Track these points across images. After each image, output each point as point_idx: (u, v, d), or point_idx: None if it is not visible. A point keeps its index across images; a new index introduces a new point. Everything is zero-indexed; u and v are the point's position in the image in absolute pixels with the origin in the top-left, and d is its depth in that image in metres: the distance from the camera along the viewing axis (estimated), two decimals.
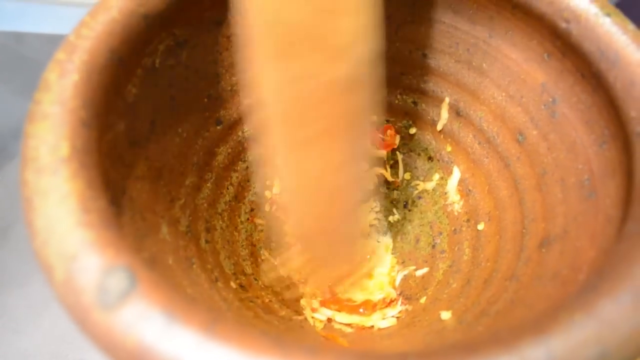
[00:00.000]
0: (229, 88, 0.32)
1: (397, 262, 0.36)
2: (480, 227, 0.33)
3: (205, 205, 0.31)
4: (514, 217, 0.30)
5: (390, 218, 0.37)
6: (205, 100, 0.31)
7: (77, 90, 0.21)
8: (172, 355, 0.15)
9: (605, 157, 0.25)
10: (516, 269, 0.27)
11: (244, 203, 0.35)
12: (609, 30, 0.25)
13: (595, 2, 0.25)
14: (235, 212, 0.34)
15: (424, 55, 0.33)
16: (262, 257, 0.34)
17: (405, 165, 0.37)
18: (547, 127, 0.29)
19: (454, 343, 0.23)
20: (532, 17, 0.27)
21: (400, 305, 0.33)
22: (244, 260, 0.33)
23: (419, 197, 0.37)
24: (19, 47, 0.60)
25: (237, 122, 0.33)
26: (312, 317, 0.32)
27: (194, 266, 0.27)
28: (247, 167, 0.35)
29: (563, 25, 0.26)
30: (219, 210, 0.32)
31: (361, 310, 0.33)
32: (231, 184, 0.34)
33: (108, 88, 0.23)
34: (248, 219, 0.35)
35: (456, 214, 0.35)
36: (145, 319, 0.16)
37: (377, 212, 0.37)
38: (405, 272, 0.35)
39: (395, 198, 0.38)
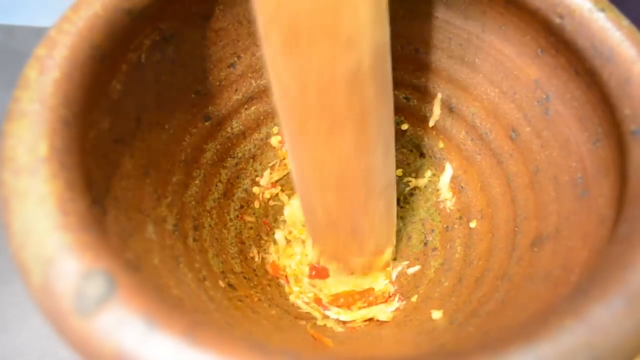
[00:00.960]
0: (217, 83, 0.31)
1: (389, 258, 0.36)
2: (473, 224, 0.32)
3: (193, 203, 0.31)
4: (507, 215, 0.30)
5: None
6: (193, 96, 0.30)
7: (57, 88, 0.21)
8: None
9: (598, 155, 0.25)
10: (508, 268, 0.27)
11: (233, 200, 0.34)
12: (603, 26, 0.24)
13: None
14: (224, 209, 0.33)
15: (416, 50, 0.32)
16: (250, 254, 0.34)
17: (397, 161, 0.37)
18: (541, 124, 0.28)
19: (442, 349, 0.23)
20: (526, 12, 0.27)
21: (397, 301, 0.33)
22: (233, 258, 0.32)
23: (411, 194, 0.37)
24: (9, 41, 0.60)
25: (225, 118, 0.33)
26: (307, 312, 0.32)
27: (181, 265, 0.26)
28: (236, 164, 0.34)
29: (557, 20, 0.25)
30: (208, 208, 0.32)
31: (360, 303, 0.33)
32: (220, 181, 0.33)
33: (90, 85, 0.22)
34: (237, 216, 0.34)
35: (448, 211, 0.34)
36: (124, 326, 0.16)
37: None
38: (399, 268, 0.35)
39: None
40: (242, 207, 0.35)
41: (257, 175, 0.36)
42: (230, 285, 0.30)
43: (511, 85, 0.30)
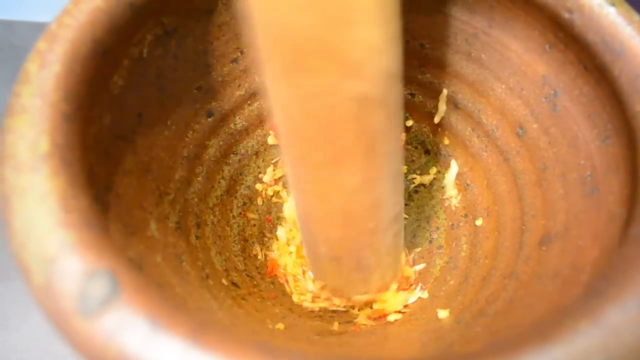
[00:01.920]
0: (220, 79, 0.31)
1: None
2: (479, 222, 0.32)
3: (195, 200, 0.30)
4: (514, 213, 0.29)
5: None
6: (196, 91, 0.30)
7: (58, 82, 0.20)
8: None
9: (608, 152, 0.24)
10: (515, 267, 0.27)
11: (236, 197, 0.34)
12: (613, 20, 0.24)
13: None
14: (227, 206, 0.33)
15: (422, 46, 0.32)
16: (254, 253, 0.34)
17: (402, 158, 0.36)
18: (548, 120, 0.28)
19: (449, 349, 0.22)
20: (534, 6, 0.26)
21: (420, 290, 0.32)
22: (235, 256, 0.32)
23: (416, 191, 0.36)
24: (8, 36, 0.59)
25: (228, 114, 0.32)
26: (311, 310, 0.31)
27: (184, 263, 0.26)
28: (239, 160, 0.34)
29: (566, 15, 0.25)
30: (210, 205, 0.32)
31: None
32: (223, 177, 0.33)
33: (92, 80, 0.22)
34: (240, 213, 0.34)
35: (454, 208, 0.34)
36: (128, 327, 0.15)
37: None
38: (417, 249, 0.34)
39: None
40: (245, 204, 0.34)
41: (260, 172, 0.35)
42: (233, 283, 0.29)
43: (518, 81, 0.29)
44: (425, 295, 0.32)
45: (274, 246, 0.35)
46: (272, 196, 0.36)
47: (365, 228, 0.26)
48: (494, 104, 0.31)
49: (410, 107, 0.35)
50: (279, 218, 0.36)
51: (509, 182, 0.30)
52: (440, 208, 0.35)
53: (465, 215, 0.33)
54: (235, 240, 0.33)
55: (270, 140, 0.35)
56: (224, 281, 0.29)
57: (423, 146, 0.36)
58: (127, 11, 0.23)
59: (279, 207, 0.36)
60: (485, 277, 0.28)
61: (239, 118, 0.33)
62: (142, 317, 0.15)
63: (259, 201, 0.35)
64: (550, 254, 0.25)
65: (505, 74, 0.30)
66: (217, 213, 0.32)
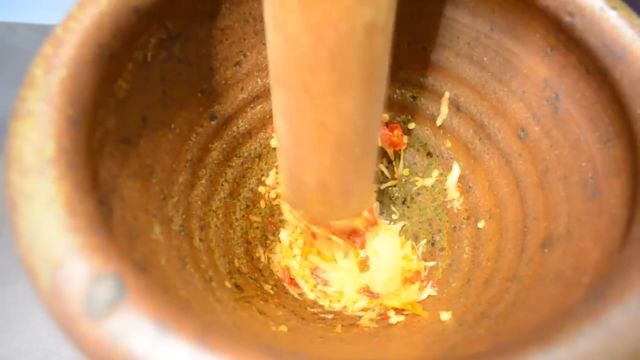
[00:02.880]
0: (224, 82, 0.31)
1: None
2: (481, 225, 0.32)
3: (199, 202, 0.30)
4: (515, 215, 0.29)
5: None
6: (199, 94, 0.30)
7: (64, 87, 0.20)
8: None
9: (609, 155, 0.24)
10: (518, 269, 0.27)
11: (239, 200, 0.34)
12: (615, 24, 0.24)
13: None
14: (230, 209, 0.33)
15: (424, 49, 0.32)
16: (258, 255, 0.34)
17: (404, 160, 0.36)
18: (550, 123, 0.28)
19: (452, 352, 0.23)
20: (535, 10, 0.26)
21: (430, 288, 0.32)
22: (239, 258, 0.32)
23: (418, 194, 0.36)
24: (9, 38, 0.59)
25: (232, 117, 0.32)
26: (314, 313, 0.32)
27: (187, 266, 0.26)
28: (242, 163, 0.34)
29: (567, 18, 0.25)
30: (214, 208, 0.32)
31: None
32: (226, 180, 0.33)
33: (97, 84, 0.22)
34: (243, 215, 0.34)
35: (456, 211, 0.34)
36: (135, 330, 0.15)
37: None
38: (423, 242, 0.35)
39: (394, 194, 0.37)
40: (248, 206, 0.34)
41: (263, 175, 0.35)
42: (236, 285, 0.29)
43: (520, 83, 0.29)
44: (434, 292, 0.32)
45: (277, 249, 0.35)
46: (274, 199, 0.36)
47: (353, 153, 0.26)
48: (495, 106, 0.31)
49: (412, 110, 0.35)
50: (281, 221, 0.36)
51: (510, 184, 0.30)
52: (443, 210, 0.35)
53: (468, 218, 0.33)
54: (238, 243, 0.33)
55: (273, 143, 0.35)
56: (227, 284, 0.29)
57: (425, 149, 0.36)
58: (132, 15, 0.24)
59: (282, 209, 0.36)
60: (488, 280, 0.28)
61: (242, 121, 0.33)
62: (149, 320, 0.15)
63: (262, 204, 0.35)
64: (552, 256, 0.25)
65: (507, 76, 0.30)
66: (220, 216, 0.32)
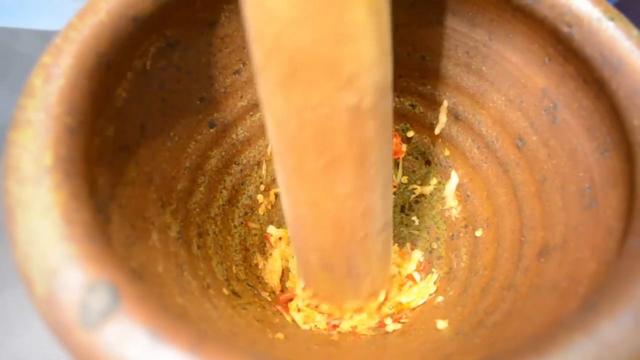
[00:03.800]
0: (223, 90, 0.31)
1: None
2: (478, 233, 0.32)
3: (197, 210, 0.30)
4: (513, 224, 0.30)
5: None
6: (198, 102, 0.30)
7: (62, 96, 0.21)
8: None
9: (607, 165, 0.25)
10: (514, 279, 0.27)
11: (237, 207, 0.34)
12: (612, 35, 0.24)
13: (598, 6, 0.24)
14: (228, 216, 0.33)
15: (422, 58, 0.32)
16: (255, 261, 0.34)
17: (403, 168, 0.37)
18: (548, 132, 0.28)
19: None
20: (534, 20, 0.27)
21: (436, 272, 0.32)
22: (237, 265, 0.32)
23: (416, 202, 0.36)
24: (13, 43, 0.60)
25: (230, 125, 0.32)
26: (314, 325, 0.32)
27: (185, 273, 0.26)
28: (241, 170, 0.34)
29: (565, 29, 0.25)
30: (212, 215, 0.32)
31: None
32: (225, 187, 0.33)
33: (96, 93, 0.22)
34: (242, 223, 0.34)
35: (454, 219, 0.34)
36: (129, 339, 0.15)
37: None
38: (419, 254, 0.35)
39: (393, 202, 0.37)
40: (246, 213, 0.35)
41: (261, 182, 0.35)
42: (234, 292, 0.29)
43: (518, 93, 0.29)
44: (431, 285, 0.32)
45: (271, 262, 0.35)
46: (273, 206, 0.36)
47: (357, 236, 0.26)
48: (494, 115, 0.31)
49: (411, 118, 0.35)
50: (280, 227, 0.36)
51: (508, 193, 0.30)
52: (441, 219, 0.35)
53: (465, 226, 0.33)
54: (236, 250, 0.33)
55: (271, 150, 0.35)
56: (224, 291, 0.29)
57: (424, 157, 0.36)
58: (131, 24, 0.24)
59: (280, 216, 0.36)
60: (484, 289, 0.28)
61: (241, 129, 0.33)
62: (142, 329, 0.16)
63: (260, 211, 0.35)
64: (548, 266, 0.25)
65: (505, 86, 0.30)
66: (218, 223, 0.32)
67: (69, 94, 0.21)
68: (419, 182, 0.36)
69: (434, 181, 0.36)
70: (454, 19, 0.30)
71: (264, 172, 0.35)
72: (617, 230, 0.22)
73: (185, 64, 0.28)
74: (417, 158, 0.36)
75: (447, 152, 0.34)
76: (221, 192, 0.33)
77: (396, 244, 0.36)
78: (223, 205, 0.33)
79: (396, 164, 0.37)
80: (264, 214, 0.35)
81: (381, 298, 0.32)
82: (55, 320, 0.16)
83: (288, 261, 0.35)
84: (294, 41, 0.18)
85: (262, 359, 0.16)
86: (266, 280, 0.34)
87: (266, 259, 0.35)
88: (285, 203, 0.26)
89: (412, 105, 0.35)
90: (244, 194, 0.35)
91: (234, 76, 0.31)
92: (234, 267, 0.32)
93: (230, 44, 0.30)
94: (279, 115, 0.21)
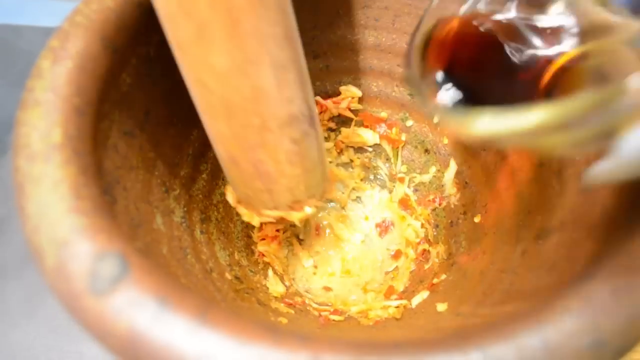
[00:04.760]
0: None
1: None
2: (477, 219, 0.32)
3: (200, 196, 0.31)
4: (511, 209, 0.30)
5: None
6: None
7: (70, 78, 0.21)
8: (163, 342, 0.15)
9: (601, 148, 0.25)
10: (512, 261, 0.27)
11: None
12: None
13: None
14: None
15: None
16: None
17: (402, 157, 0.37)
18: None
19: (449, 333, 0.23)
20: None
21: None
22: (239, 251, 0.32)
23: (416, 190, 0.37)
24: (16, 40, 0.60)
25: None
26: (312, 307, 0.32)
27: (188, 256, 0.27)
28: None
29: None
30: (214, 202, 0.32)
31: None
32: None
33: (102, 76, 0.23)
34: None
35: (453, 206, 0.35)
36: (137, 305, 0.16)
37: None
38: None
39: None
40: None
41: None
42: (236, 277, 0.30)
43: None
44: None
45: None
46: None
47: (250, 123, 0.25)
48: None
49: (410, 107, 0.35)
50: None
51: (506, 179, 0.31)
52: (440, 206, 0.35)
53: (464, 213, 0.34)
54: (239, 237, 0.33)
55: None
56: (227, 275, 0.29)
57: (422, 145, 0.36)
58: (136, 11, 0.24)
59: None
60: (483, 271, 0.29)
61: None
62: (151, 296, 0.16)
63: None
64: (546, 247, 0.26)
65: None
66: (221, 210, 0.33)
67: (77, 76, 0.21)
68: (418, 171, 0.37)
69: (432, 169, 0.36)
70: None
71: None
72: (612, 208, 0.23)
73: None
74: (416, 147, 0.37)
75: (445, 141, 0.35)
76: (223, 180, 0.33)
77: None
78: (225, 192, 0.33)
79: (396, 152, 0.37)
80: None
81: (308, 210, 0.30)
82: (65, 289, 0.17)
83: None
84: None
85: (266, 326, 0.16)
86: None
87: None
88: (187, 86, 0.25)
89: (411, 95, 0.35)
90: None
91: None
92: (236, 253, 0.32)
93: None
94: None
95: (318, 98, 0.36)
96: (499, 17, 0.22)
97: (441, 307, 0.28)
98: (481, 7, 0.23)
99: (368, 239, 0.37)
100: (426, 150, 0.36)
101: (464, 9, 0.23)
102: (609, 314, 0.16)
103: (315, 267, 0.36)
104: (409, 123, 0.36)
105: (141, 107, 0.27)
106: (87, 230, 0.17)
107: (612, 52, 0.21)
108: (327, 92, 0.37)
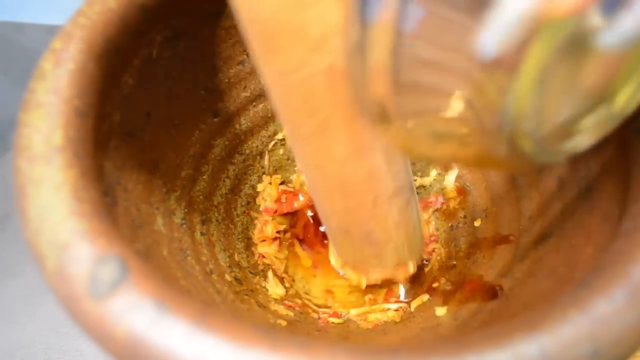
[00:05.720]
0: (227, 80, 0.32)
1: None
2: (477, 223, 0.32)
3: (201, 197, 0.31)
4: (511, 214, 0.30)
5: None
6: (203, 92, 0.31)
7: (72, 80, 0.21)
8: (162, 346, 0.15)
9: (602, 153, 0.25)
10: (512, 266, 0.27)
11: (240, 196, 0.35)
12: None
13: None
14: (231, 204, 0.34)
15: None
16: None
17: None
18: None
19: (446, 339, 0.23)
20: None
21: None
22: (239, 253, 0.33)
23: (417, 193, 0.37)
24: (18, 38, 0.60)
25: (234, 114, 0.33)
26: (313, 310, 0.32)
27: (189, 258, 0.27)
28: (244, 160, 0.35)
29: None
30: (215, 203, 0.32)
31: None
32: (228, 176, 0.34)
33: (104, 78, 0.23)
34: (244, 212, 0.35)
35: (453, 210, 0.35)
36: (136, 309, 0.16)
37: None
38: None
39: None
40: (249, 203, 0.35)
41: (264, 172, 0.36)
42: (236, 279, 0.30)
43: None
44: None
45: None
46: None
47: (365, 200, 0.26)
48: None
49: None
50: None
51: (507, 183, 0.31)
52: (440, 209, 0.35)
53: (464, 217, 0.34)
54: (239, 238, 0.33)
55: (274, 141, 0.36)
56: (227, 277, 0.29)
57: None
58: (138, 13, 0.24)
59: None
60: (483, 276, 0.29)
61: (244, 119, 0.34)
62: (150, 300, 0.16)
63: (259, 201, 0.36)
64: (545, 252, 0.26)
65: None
66: (221, 211, 0.33)
67: (79, 77, 0.21)
68: (419, 174, 0.37)
69: (433, 173, 0.36)
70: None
71: (266, 162, 0.36)
72: (612, 216, 0.23)
73: (191, 54, 0.29)
74: None
75: None
76: (224, 181, 0.33)
77: None
78: (226, 194, 0.33)
79: None
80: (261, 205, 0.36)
81: (411, 269, 0.32)
82: (65, 292, 0.17)
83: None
84: (263, 11, 0.19)
85: (265, 332, 0.16)
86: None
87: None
88: (300, 169, 0.27)
89: None
90: (247, 183, 0.35)
91: (238, 67, 0.32)
92: (236, 255, 0.32)
93: (235, 34, 0.31)
94: (267, 82, 0.22)
95: None
96: None
97: (440, 311, 0.28)
98: None
99: None
100: None
101: None
102: (606, 323, 0.16)
103: (316, 268, 0.36)
104: None
105: (142, 108, 0.27)
106: (88, 233, 0.17)
107: None
108: None
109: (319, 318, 0.31)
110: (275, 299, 0.32)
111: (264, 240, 0.35)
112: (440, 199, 0.35)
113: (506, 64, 0.13)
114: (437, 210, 0.36)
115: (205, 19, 0.29)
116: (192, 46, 0.29)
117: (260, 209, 0.36)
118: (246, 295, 0.29)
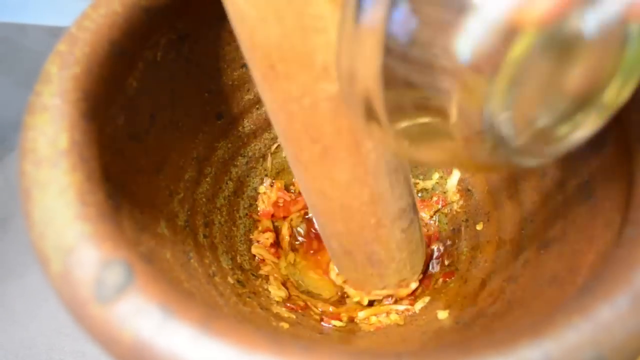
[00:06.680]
0: (230, 83, 0.32)
1: None
2: (479, 227, 0.32)
3: (204, 199, 0.31)
4: (513, 218, 0.30)
5: None
6: (206, 94, 0.31)
7: (77, 83, 0.21)
8: (167, 351, 0.15)
9: (605, 160, 0.25)
10: (514, 270, 0.27)
11: (242, 198, 0.35)
12: None
13: None
14: (234, 207, 0.34)
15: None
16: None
17: None
18: None
19: (449, 343, 0.23)
20: None
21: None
22: (241, 255, 0.33)
23: (418, 196, 0.37)
24: (21, 39, 0.60)
25: (237, 117, 0.33)
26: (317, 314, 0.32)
27: (192, 261, 0.27)
28: (246, 162, 0.35)
29: None
30: (218, 205, 0.32)
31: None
32: (230, 179, 0.34)
33: (109, 81, 0.23)
34: (247, 214, 0.35)
35: (455, 213, 0.35)
36: (142, 314, 0.16)
37: None
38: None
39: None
40: (251, 205, 0.35)
41: (266, 175, 0.36)
42: (239, 281, 0.30)
43: None
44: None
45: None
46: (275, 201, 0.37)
47: (368, 223, 0.26)
48: None
49: None
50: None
51: (509, 187, 0.31)
52: (442, 212, 0.36)
53: (466, 220, 0.34)
54: (241, 241, 0.33)
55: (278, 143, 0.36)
56: (230, 279, 0.29)
57: None
58: (143, 15, 0.24)
59: None
60: (485, 280, 0.29)
61: (248, 121, 0.34)
62: (155, 304, 0.16)
63: (260, 204, 0.36)
64: (548, 257, 0.26)
65: None
66: (224, 213, 0.33)
67: (84, 81, 0.21)
68: (421, 177, 0.37)
69: (435, 176, 0.36)
70: None
71: (269, 164, 0.36)
72: (615, 222, 0.23)
73: (195, 57, 0.29)
74: None
75: None
76: (227, 184, 0.33)
77: None
78: (229, 196, 0.33)
79: None
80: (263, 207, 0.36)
81: (413, 287, 0.32)
82: (70, 296, 0.17)
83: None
84: (265, 38, 0.18)
85: (270, 336, 0.17)
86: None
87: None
88: (302, 192, 0.27)
89: None
90: (249, 185, 0.35)
91: (241, 69, 0.32)
92: (238, 257, 0.32)
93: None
94: (270, 108, 0.22)
95: None
96: None
97: (442, 314, 0.29)
98: None
99: None
100: None
101: None
102: (608, 329, 0.16)
103: (317, 270, 0.36)
104: None
105: (147, 111, 0.27)
106: (93, 237, 0.17)
107: None
108: None
109: (322, 320, 0.31)
110: (277, 301, 0.32)
111: (258, 241, 0.35)
112: (442, 202, 0.35)
113: (483, 68, 0.13)
114: (438, 211, 0.36)
115: (209, 21, 0.29)
116: (196, 49, 0.29)
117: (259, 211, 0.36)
118: (249, 297, 0.29)
